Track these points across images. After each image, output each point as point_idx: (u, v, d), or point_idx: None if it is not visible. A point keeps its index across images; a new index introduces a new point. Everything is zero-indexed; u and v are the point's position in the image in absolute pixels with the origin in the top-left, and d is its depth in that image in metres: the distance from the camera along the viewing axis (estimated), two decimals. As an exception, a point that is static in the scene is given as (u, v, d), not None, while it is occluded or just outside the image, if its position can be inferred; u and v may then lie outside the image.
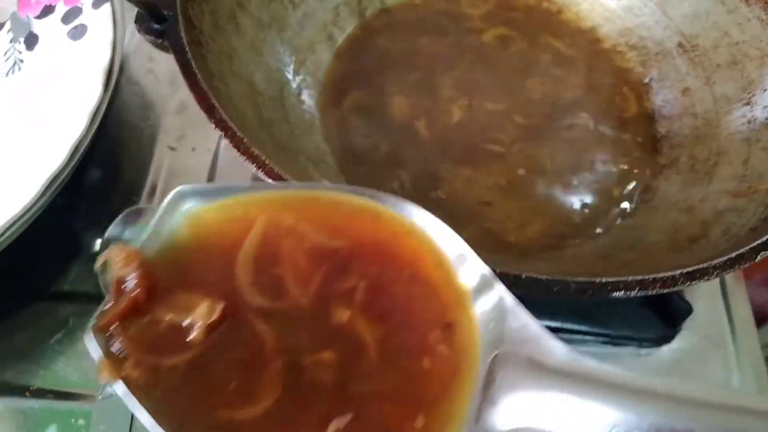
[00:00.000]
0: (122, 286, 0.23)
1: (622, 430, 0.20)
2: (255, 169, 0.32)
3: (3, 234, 0.34)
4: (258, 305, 0.24)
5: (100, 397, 0.34)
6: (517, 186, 0.42)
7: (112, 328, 0.23)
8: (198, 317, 0.23)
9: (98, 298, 0.24)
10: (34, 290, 0.41)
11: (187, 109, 0.48)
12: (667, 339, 0.41)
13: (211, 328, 0.23)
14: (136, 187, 0.45)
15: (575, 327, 0.40)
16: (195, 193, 0.26)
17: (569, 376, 0.22)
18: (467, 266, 0.25)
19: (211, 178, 0.45)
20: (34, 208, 0.35)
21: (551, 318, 0.40)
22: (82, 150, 0.37)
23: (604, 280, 0.30)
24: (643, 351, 0.41)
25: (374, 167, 0.42)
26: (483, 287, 0.25)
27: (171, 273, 0.25)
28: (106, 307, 0.23)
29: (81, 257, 0.42)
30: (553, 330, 0.24)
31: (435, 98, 0.45)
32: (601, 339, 0.41)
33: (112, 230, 0.26)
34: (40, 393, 0.37)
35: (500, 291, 0.24)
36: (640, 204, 0.42)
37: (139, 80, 0.50)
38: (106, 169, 0.46)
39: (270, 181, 0.31)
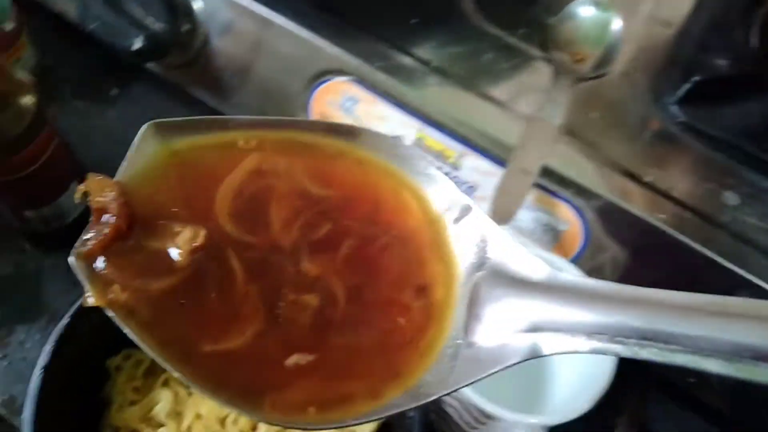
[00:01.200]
0: (102, 216, 0.24)
1: (605, 337, 0.20)
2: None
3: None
4: (237, 238, 0.25)
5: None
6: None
7: (95, 254, 0.23)
8: (181, 242, 0.24)
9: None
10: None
11: None
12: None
13: (193, 254, 0.24)
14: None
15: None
16: (169, 126, 0.27)
17: (550, 289, 0.22)
18: (447, 196, 0.26)
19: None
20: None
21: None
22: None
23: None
24: None
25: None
26: (463, 214, 0.26)
27: (152, 203, 0.25)
28: (87, 236, 0.23)
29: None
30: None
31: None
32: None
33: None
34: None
35: (480, 217, 0.25)
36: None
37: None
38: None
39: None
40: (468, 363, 0.23)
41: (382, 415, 0.25)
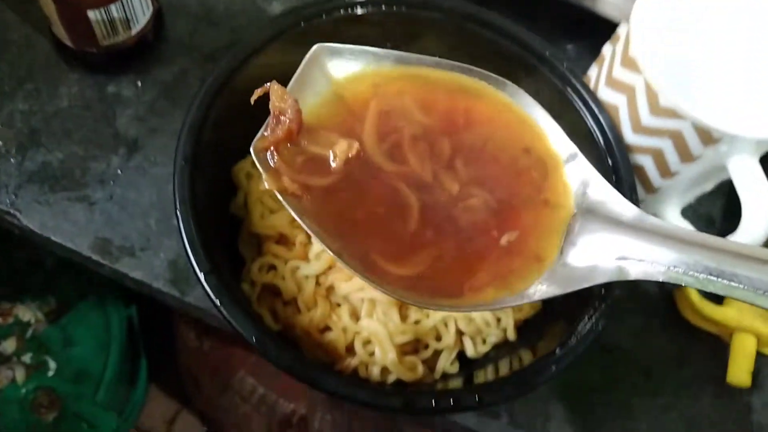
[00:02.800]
0: (280, 117, 0.29)
1: (680, 270, 0.25)
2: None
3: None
4: (382, 164, 0.30)
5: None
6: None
7: (270, 148, 0.29)
8: (339, 150, 0.29)
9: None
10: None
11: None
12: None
13: (348, 163, 0.29)
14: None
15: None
16: (332, 52, 0.32)
17: (638, 228, 0.27)
18: (559, 142, 0.32)
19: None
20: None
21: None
22: None
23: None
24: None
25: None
26: (571, 159, 0.32)
27: (315, 116, 0.30)
28: (266, 132, 0.29)
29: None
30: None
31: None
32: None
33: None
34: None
35: (585, 163, 0.31)
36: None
37: None
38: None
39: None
40: (562, 278, 0.28)
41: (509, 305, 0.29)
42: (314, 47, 0.31)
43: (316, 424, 0.74)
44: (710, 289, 0.25)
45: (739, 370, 0.42)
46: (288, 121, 0.29)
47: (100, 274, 0.42)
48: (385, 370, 0.35)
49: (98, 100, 0.44)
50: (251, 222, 0.37)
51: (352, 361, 0.35)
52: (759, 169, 0.34)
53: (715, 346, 0.44)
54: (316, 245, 0.36)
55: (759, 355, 0.42)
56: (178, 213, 0.31)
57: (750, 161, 0.34)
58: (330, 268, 0.37)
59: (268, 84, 0.29)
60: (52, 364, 0.71)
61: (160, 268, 0.40)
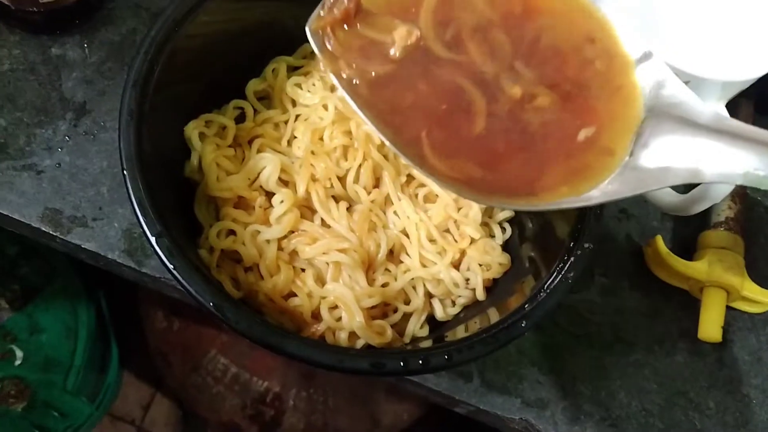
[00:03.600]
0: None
1: (762, 172, 0.24)
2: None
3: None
4: (442, 54, 0.29)
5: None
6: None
7: (327, 29, 0.28)
8: (398, 37, 0.28)
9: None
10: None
11: None
12: None
13: (406, 51, 0.28)
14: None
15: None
16: None
17: (715, 131, 0.26)
18: (634, 41, 0.29)
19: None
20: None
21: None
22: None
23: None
24: None
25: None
26: (645, 58, 0.29)
27: (372, 3, 0.29)
28: (322, 12, 0.28)
29: None
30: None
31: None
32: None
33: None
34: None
35: (659, 63, 0.28)
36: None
37: None
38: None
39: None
40: (632, 179, 0.27)
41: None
42: None
43: (291, 401, 0.73)
44: None
45: (710, 326, 0.41)
46: (346, 0, 0.28)
47: (64, 260, 0.40)
48: (353, 335, 0.34)
49: (42, 63, 0.42)
50: (207, 185, 0.35)
51: (319, 328, 0.34)
52: (726, 114, 0.34)
53: (686, 301, 0.44)
54: (278, 208, 0.35)
55: (729, 309, 0.42)
56: (124, 172, 0.29)
57: (718, 106, 0.34)
58: (292, 232, 0.35)
59: None
60: (19, 353, 0.69)
61: (114, 239, 0.39)
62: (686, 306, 0.43)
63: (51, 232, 0.38)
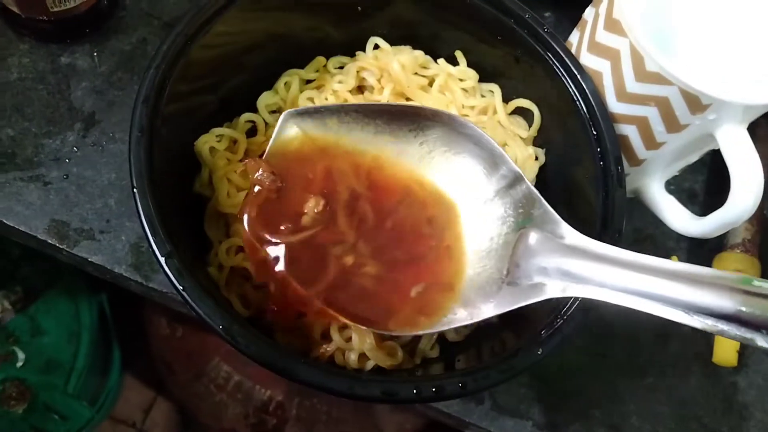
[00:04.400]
0: (256, 187, 0.33)
1: (617, 292, 0.27)
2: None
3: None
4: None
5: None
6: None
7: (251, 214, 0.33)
8: (308, 208, 0.33)
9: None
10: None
11: None
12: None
13: (315, 216, 0.33)
14: None
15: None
16: (297, 114, 0.35)
17: (575, 249, 0.29)
18: (503, 167, 0.33)
19: None
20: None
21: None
22: None
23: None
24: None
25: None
26: (515, 182, 0.33)
27: (287, 174, 0.34)
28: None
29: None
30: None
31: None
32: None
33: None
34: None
35: (528, 186, 0.32)
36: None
37: None
38: None
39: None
40: (509, 294, 0.31)
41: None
42: (283, 114, 0.35)
43: (294, 410, 0.73)
44: (646, 310, 0.27)
45: (726, 350, 0.41)
46: (265, 188, 0.33)
47: (67, 263, 0.39)
48: (362, 357, 0.33)
49: (51, 72, 0.41)
50: (217, 201, 0.35)
51: (329, 348, 0.33)
52: (748, 139, 0.33)
53: (701, 324, 0.43)
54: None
55: (745, 332, 0.41)
56: (134, 190, 0.28)
57: (739, 130, 0.33)
58: (303, 249, 0.35)
59: (245, 162, 0.34)
60: (21, 355, 0.68)
61: (121, 252, 0.38)
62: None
63: (57, 245, 0.38)
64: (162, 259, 0.27)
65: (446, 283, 0.33)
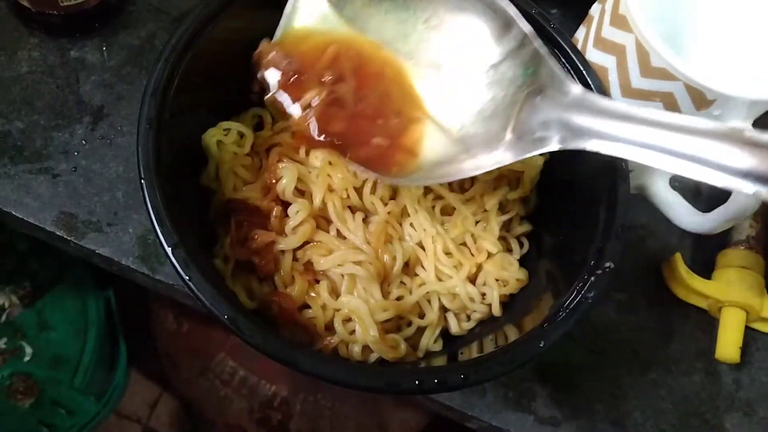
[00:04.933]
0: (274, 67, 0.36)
1: (619, 144, 0.27)
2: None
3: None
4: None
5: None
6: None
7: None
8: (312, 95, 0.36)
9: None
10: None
11: None
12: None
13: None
14: None
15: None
16: None
17: (578, 104, 0.30)
18: (513, 29, 0.34)
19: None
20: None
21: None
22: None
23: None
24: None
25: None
26: (523, 43, 0.33)
27: (297, 54, 0.36)
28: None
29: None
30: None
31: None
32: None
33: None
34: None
35: (537, 45, 0.33)
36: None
37: None
38: None
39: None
40: (513, 148, 0.32)
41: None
42: None
43: (299, 406, 0.73)
44: (639, 161, 0.26)
45: (728, 346, 0.41)
46: (282, 70, 0.36)
47: (74, 256, 0.40)
48: (366, 349, 0.33)
49: (60, 66, 0.42)
50: (223, 194, 0.35)
51: (332, 340, 0.33)
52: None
53: (704, 320, 0.43)
54: (293, 218, 0.35)
55: (748, 329, 0.42)
56: (142, 181, 0.29)
57: (745, 125, 0.33)
58: (308, 242, 0.35)
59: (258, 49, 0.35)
60: (28, 349, 0.69)
61: (128, 244, 0.38)
62: (705, 325, 0.43)
63: (65, 237, 0.38)
64: (169, 250, 0.28)
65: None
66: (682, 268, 0.41)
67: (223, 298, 0.27)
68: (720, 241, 0.44)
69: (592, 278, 0.31)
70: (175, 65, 0.32)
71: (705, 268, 0.43)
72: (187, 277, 0.27)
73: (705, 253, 0.44)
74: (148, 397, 0.90)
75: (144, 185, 0.29)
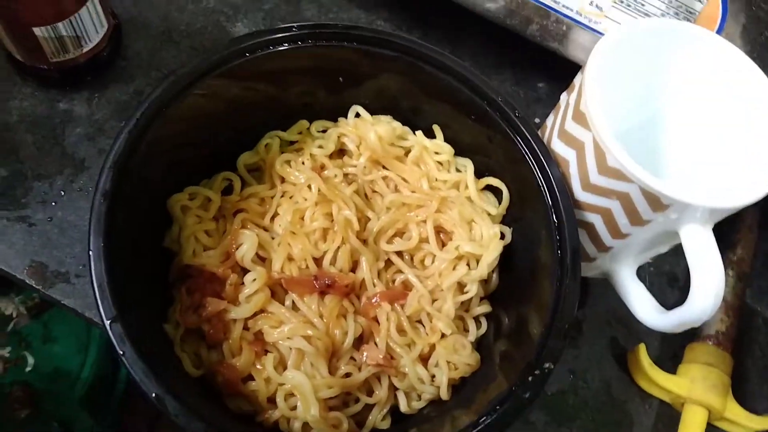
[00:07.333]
0: None
1: None
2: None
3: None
4: None
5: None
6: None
7: None
8: None
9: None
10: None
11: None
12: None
13: None
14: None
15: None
16: None
17: None
18: None
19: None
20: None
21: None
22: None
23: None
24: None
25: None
26: None
27: None
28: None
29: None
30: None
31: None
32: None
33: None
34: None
35: None
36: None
37: None
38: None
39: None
40: None
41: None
42: None
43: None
44: None
45: (690, 443, 0.40)
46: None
47: None
48: (307, 426, 0.33)
49: (48, 117, 0.43)
50: (182, 258, 0.36)
51: (274, 414, 0.34)
52: (711, 240, 0.32)
53: (667, 414, 0.42)
54: (249, 287, 0.35)
55: (711, 427, 0.40)
56: (89, 253, 0.29)
57: (702, 231, 0.32)
58: (260, 312, 0.35)
59: None
60: (30, 360, 0.70)
61: (92, 297, 0.39)
62: (667, 419, 0.42)
63: (34, 285, 0.39)
64: (107, 323, 0.28)
65: None
66: (646, 360, 0.40)
67: (154, 375, 0.28)
68: (690, 331, 0.43)
69: (530, 378, 0.31)
70: (140, 135, 0.33)
71: (673, 358, 0.42)
72: (121, 352, 0.28)
73: (674, 342, 0.43)
74: (148, 414, 0.90)
75: (90, 257, 0.29)
